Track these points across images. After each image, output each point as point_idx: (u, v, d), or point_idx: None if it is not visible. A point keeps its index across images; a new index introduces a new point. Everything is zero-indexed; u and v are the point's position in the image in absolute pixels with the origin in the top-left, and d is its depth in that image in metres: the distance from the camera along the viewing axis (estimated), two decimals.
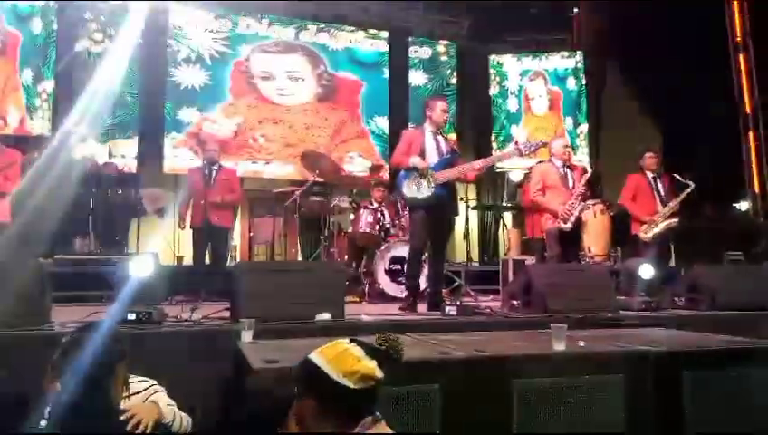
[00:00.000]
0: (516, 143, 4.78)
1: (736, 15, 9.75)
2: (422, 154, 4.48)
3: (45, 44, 8.11)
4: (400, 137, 4.88)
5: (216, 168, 5.78)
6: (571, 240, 5.31)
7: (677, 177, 5.80)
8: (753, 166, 9.54)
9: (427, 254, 4.88)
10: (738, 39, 9.70)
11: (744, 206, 9.40)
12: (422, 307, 4.64)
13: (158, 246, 6.60)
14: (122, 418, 1.89)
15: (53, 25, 8.19)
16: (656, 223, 5.57)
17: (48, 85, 8.09)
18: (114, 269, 3.86)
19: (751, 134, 9.56)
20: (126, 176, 7.43)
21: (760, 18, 9.20)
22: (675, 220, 5.64)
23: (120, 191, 6.71)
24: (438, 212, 4.48)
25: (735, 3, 9.76)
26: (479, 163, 4.68)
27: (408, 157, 4.46)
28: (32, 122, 7.92)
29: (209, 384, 2.91)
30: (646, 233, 5.57)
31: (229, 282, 3.88)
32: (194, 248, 5.72)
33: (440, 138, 4.62)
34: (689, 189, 5.64)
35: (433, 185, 4.36)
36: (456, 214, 4.81)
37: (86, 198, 6.49)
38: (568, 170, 5.41)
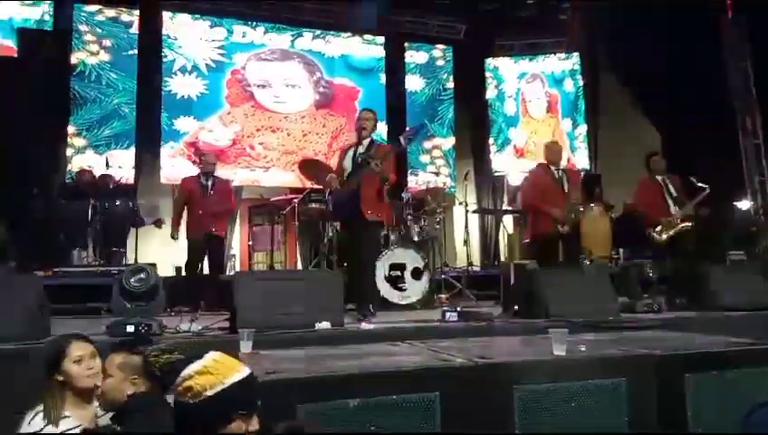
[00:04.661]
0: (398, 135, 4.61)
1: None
2: (343, 167, 4.61)
3: None
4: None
5: (211, 178, 5.79)
6: (570, 243, 5.30)
7: (693, 180, 5.66)
8: (753, 165, 9.53)
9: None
10: (734, 37, 9.69)
11: (744, 205, 9.38)
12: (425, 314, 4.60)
13: (157, 256, 6.58)
14: None
15: None
16: (671, 225, 5.50)
17: None
18: (113, 280, 3.83)
19: (749, 133, 9.54)
20: (123, 187, 7.41)
21: (756, 17, 9.20)
22: (689, 224, 5.52)
23: (118, 202, 6.69)
24: (352, 220, 4.50)
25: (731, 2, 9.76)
26: (372, 160, 4.36)
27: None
28: None
29: None
30: (660, 235, 5.50)
31: (228, 292, 3.86)
32: (191, 259, 5.69)
33: (361, 148, 4.54)
34: (705, 193, 5.52)
35: (344, 198, 4.44)
36: (365, 219, 4.39)
37: (84, 209, 6.48)
38: (563, 174, 5.42)
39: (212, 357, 1.62)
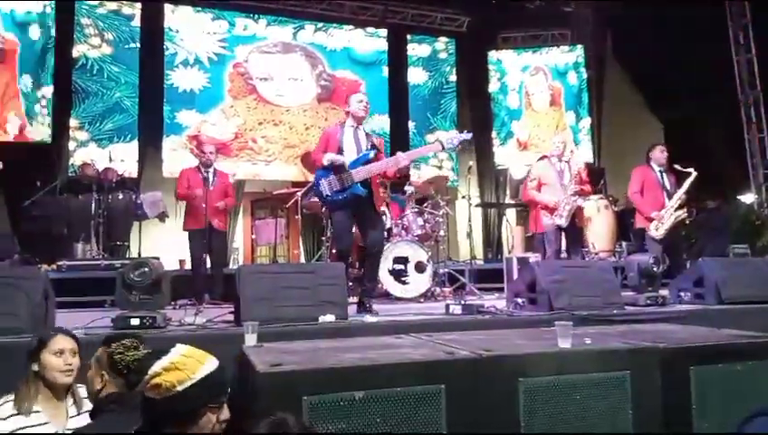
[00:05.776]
0: (438, 138, 4.39)
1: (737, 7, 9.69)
2: (339, 151, 4.21)
3: (44, 50, 8.11)
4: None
5: (212, 171, 5.76)
6: (572, 236, 5.29)
7: (678, 167, 5.59)
8: (757, 158, 9.50)
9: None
10: (739, 30, 9.64)
11: (748, 198, 9.35)
12: (423, 305, 4.58)
13: (161, 249, 6.58)
14: None
15: (51, 31, 8.18)
16: (664, 219, 5.46)
17: (47, 91, 8.09)
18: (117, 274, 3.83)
19: (754, 126, 9.51)
20: (126, 180, 7.42)
21: (761, 10, 9.14)
22: (683, 212, 5.49)
23: (121, 196, 6.70)
24: (359, 210, 4.23)
25: None
26: (401, 157, 4.27)
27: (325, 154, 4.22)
28: (31, 129, 7.91)
29: None
30: (657, 230, 5.44)
31: (232, 285, 3.86)
32: (193, 252, 5.68)
33: (361, 134, 4.31)
34: (692, 177, 5.47)
35: (349, 183, 4.12)
36: (377, 212, 4.31)
37: (87, 203, 6.48)
38: (565, 166, 5.40)
39: (179, 352, 1.59)
